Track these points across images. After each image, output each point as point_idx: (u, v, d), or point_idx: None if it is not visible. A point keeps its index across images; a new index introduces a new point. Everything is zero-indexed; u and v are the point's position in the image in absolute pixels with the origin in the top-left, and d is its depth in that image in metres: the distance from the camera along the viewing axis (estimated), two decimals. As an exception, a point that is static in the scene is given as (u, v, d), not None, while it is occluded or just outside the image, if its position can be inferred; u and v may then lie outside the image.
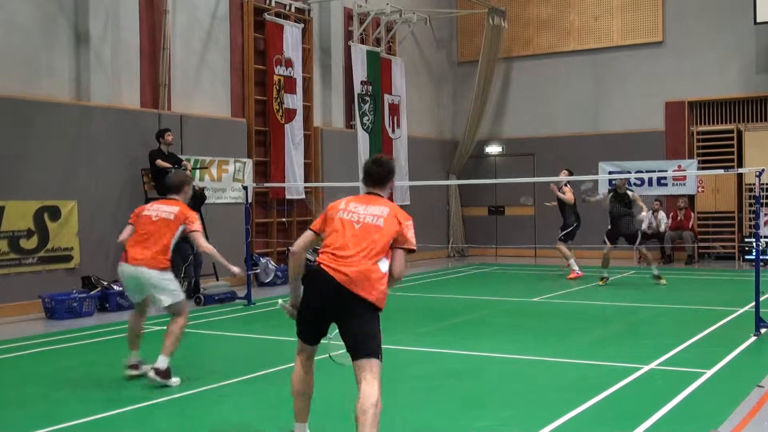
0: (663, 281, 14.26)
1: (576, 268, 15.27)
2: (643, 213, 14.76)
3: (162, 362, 7.00)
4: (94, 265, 12.48)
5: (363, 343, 4.84)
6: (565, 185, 15.35)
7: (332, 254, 5.02)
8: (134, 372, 7.40)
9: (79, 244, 12.42)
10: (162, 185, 12.98)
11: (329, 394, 6.37)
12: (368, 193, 5.28)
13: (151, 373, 6.99)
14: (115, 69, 13.26)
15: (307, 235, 5.37)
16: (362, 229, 5.00)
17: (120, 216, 13.00)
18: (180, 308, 7.32)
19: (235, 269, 7.47)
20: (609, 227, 14.88)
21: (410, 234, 5.09)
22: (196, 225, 7.34)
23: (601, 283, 14.41)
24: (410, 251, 5.08)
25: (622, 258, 19.11)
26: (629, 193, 14.72)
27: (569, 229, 15.33)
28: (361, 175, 5.53)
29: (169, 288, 7.30)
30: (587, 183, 15.13)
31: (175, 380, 7.08)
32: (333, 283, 4.91)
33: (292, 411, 5.51)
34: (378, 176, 5.29)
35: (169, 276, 7.37)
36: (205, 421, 6.22)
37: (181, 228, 7.30)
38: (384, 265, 4.97)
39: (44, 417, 6.25)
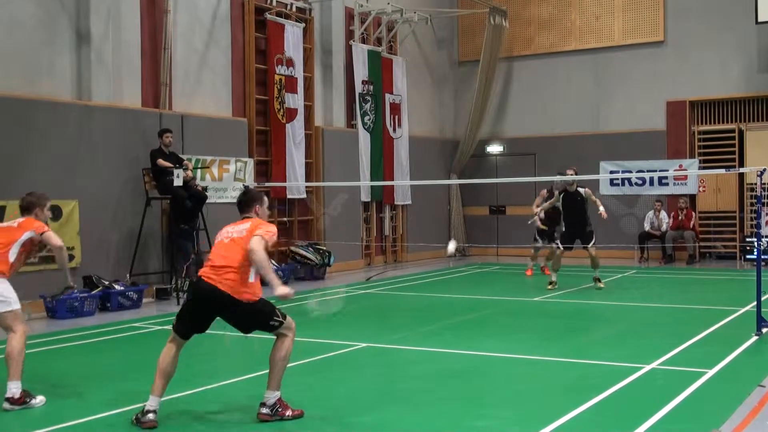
0: (601, 284, 13.72)
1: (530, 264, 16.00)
2: (601, 208, 13.53)
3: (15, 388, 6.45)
4: (95, 265, 12.48)
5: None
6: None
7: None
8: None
9: (81, 244, 12.42)
10: (163, 185, 13.03)
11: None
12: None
13: (6, 405, 6.40)
14: (117, 68, 13.26)
15: None
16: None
17: (121, 215, 13.04)
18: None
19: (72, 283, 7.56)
20: (563, 229, 13.97)
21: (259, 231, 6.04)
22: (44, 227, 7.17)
23: (549, 287, 13.64)
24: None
25: (623, 258, 19.11)
26: (581, 190, 13.66)
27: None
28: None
29: None
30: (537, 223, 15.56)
31: (38, 399, 6.55)
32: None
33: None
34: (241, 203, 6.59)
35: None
36: (206, 421, 6.22)
37: (27, 235, 7.05)
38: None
39: (45, 417, 6.25)
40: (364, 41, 18.87)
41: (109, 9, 13.09)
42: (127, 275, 12.78)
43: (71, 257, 12.28)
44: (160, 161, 12.97)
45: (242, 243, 6.01)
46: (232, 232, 6.24)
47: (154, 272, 13.50)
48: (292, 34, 16.52)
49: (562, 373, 7.67)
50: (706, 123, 19.57)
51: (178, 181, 12.79)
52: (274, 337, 6.19)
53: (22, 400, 6.43)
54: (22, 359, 6.55)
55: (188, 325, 6.21)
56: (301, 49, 16.77)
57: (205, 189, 13.80)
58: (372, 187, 18.54)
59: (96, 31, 12.88)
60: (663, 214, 18.82)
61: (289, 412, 6.08)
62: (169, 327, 7.28)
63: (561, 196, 13.84)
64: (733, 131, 19.01)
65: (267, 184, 15.45)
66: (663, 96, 19.60)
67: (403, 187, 19.72)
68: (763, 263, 9.53)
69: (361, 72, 18.54)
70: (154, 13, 13.98)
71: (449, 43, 22.48)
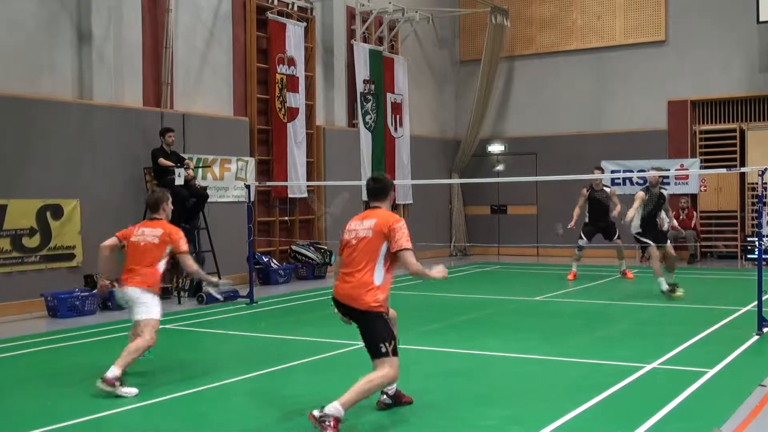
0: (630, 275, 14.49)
1: (574, 268, 15.27)
2: (616, 209, 14.41)
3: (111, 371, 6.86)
4: (96, 264, 12.45)
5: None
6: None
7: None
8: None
9: (82, 243, 12.43)
10: (164, 184, 13.02)
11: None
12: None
13: (99, 382, 6.79)
14: (118, 67, 13.26)
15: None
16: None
17: (122, 214, 13.02)
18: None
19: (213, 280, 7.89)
20: (586, 221, 14.98)
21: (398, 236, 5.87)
22: (183, 245, 7.50)
23: (571, 277, 14.81)
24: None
25: (625, 257, 19.07)
26: (606, 189, 14.84)
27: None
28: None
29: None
30: (558, 228, 15.14)
31: (126, 390, 6.84)
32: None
33: (295, 409, 5.50)
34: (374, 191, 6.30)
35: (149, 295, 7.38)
36: (207, 419, 6.22)
37: (168, 249, 7.45)
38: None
39: (46, 415, 6.26)
40: (365, 40, 18.87)
41: (111, 8, 13.09)
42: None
43: (72, 256, 12.30)
44: (162, 160, 12.98)
45: (371, 247, 5.88)
46: (359, 230, 6.01)
47: (156, 271, 13.50)
48: (294, 33, 16.52)
49: (563, 373, 7.68)
50: (707, 122, 19.56)
51: (179, 181, 12.79)
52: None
53: (112, 383, 6.77)
54: (133, 358, 7.06)
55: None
56: (303, 49, 16.77)
57: (205, 188, 13.80)
58: (373, 186, 18.50)
59: (97, 31, 12.89)
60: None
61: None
62: (171, 326, 7.30)
63: (588, 194, 14.75)
64: (734, 131, 19.01)
65: (268, 184, 15.46)
66: (664, 95, 19.60)
67: (404, 187, 19.72)
68: (764, 263, 9.53)
69: (362, 71, 18.54)
70: (156, 12, 13.99)
71: (451, 43, 22.48)
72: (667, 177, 18.49)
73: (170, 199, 7.94)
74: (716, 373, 7.36)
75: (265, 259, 15.42)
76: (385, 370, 5.71)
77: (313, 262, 16.11)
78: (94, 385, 6.93)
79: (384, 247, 5.87)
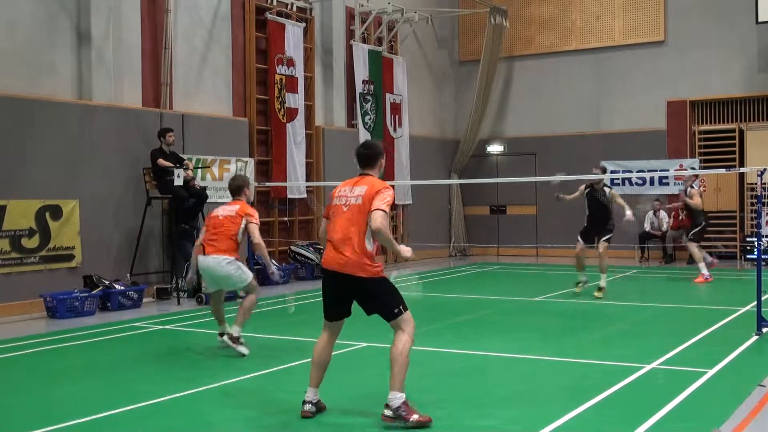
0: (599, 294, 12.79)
1: (705, 271, 14.62)
2: (628, 212, 12.99)
3: (235, 331, 8.40)
4: (95, 265, 12.48)
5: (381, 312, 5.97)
6: (691, 187, 14.79)
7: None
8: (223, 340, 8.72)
9: (81, 244, 12.42)
10: (164, 184, 13.03)
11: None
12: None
13: (225, 338, 8.46)
14: (117, 68, 13.26)
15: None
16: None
17: (122, 215, 13.05)
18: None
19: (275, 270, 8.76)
20: (584, 225, 13.47)
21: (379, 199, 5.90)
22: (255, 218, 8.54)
23: (577, 290, 13.13)
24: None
25: (623, 257, 19.11)
26: (606, 190, 13.33)
27: (698, 228, 14.85)
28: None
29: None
30: (556, 179, 13.85)
31: (243, 349, 8.34)
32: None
33: (296, 409, 5.50)
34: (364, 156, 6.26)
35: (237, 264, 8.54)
36: (207, 419, 6.23)
37: (244, 222, 8.47)
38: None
39: (45, 416, 6.25)
40: (364, 41, 18.87)
41: (110, 9, 13.09)
42: (128, 275, 12.79)
43: (71, 257, 12.30)
44: (161, 161, 12.98)
45: (362, 213, 5.90)
46: (349, 197, 6.05)
47: (155, 272, 13.50)
48: (293, 33, 16.52)
49: (562, 373, 7.68)
50: (706, 123, 19.57)
51: (178, 181, 12.79)
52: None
53: (237, 340, 8.35)
54: (249, 315, 8.58)
55: (332, 309, 6.12)
56: (302, 49, 16.77)
57: (205, 189, 13.80)
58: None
59: (96, 31, 12.88)
60: (663, 214, 18.83)
61: (415, 416, 5.69)
62: (170, 326, 7.31)
63: (586, 192, 13.37)
64: (733, 131, 19.01)
65: (267, 184, 15.46)
66: (663, 96, 19.61)
67: (403, 187, 19.72)
68: (763, 263, 9.53)
69: (361, 71, 18.54)
70: (155, 12, 13.98)
71: (450, 43, 22.48)
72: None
73: (249, 184, 9.24)
74: (715, 373, 7.36)
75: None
76: (408, 327, 5.91)
77: (312, 263, 16.10)
78: (94, 384, 6.93)
79: None
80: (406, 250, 6.10)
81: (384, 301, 5.93)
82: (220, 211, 8.59)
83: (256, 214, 8.55)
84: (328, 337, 6.17)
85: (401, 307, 5.93)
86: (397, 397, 5.75)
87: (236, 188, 8.74)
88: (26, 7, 12.17)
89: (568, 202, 13.49)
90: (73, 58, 12.82)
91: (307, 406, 6.05)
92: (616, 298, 12.68)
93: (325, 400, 6.24)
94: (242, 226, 8.44)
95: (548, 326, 10.45)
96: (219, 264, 8.38)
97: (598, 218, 13.21)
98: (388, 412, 5.77)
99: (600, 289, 12.70)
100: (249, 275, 8.61)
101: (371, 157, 6.21)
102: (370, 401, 6.46)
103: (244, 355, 8.29)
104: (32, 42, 12.23)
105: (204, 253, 8.44)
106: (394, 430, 5.75)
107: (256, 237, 8.40)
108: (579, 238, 13.28)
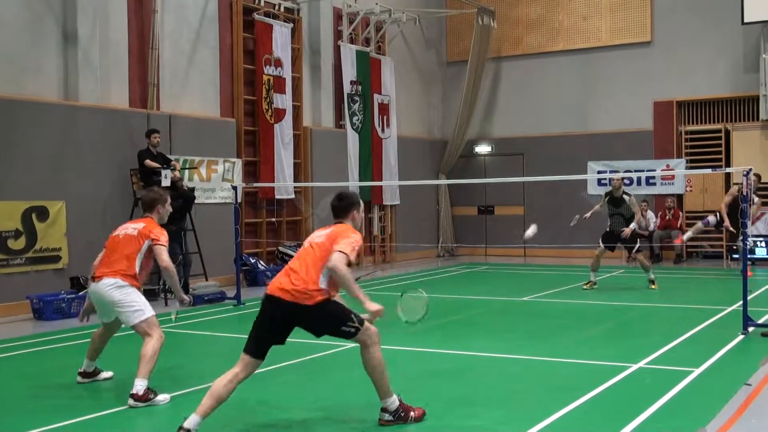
0: (654, 286, 13.53)
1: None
2: (631, 225, 13.46)
3: (139, 386, 6.54)
4: (82, 266, 12.40)
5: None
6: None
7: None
8: (85, 380, 7.41)
9: (68, 245, 12.37)
10: (151, 185, 12.98)
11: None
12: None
13: (130, 401, 6.49)
14: (104, 68, 13.21)
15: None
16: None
17: (108, 216, 12.99)
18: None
19: (186, 298, 7.27)
20: (607, 229, 13.80)
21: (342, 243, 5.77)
22: (163, 239, 7.05)
23: (585, 286, 13.63)
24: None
25: (610, 257, 19.15)
26: (625, 197, 13.55)
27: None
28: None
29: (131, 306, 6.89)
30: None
31: (162, 397, 6.64)
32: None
33: (285, 410, 5.49)
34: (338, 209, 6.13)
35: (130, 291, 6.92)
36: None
37: (146, 244, 7.01)
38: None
39: (33, 418, 6.22)
40: (352, 41, 18.86)
41: (96, 9, 13.04)
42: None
43: (57, 258, 12.24)
44: (148, 162, 12.94)
45: (321, 250, 5.79)
46: (314, 236, 6.02)
47: (142, 273, 13.45)
48: (281, 34, 16.50)
49: (550, 373, 7.70)
50: (692, 123, 19.67)
51: (165, 182, 12.75)
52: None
53: (146, 397, 6.52)
54: (155, 362, 6.69)
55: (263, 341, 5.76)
56: (290, 50, 16.75)
57: (192, 190, 13.76)
58: (360, 187, 18.53)
59: (83, 31, 12.83)
60: (650, 214, 18.90)
61: (413, 413, 5.89)
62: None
63: (606, 199, 13.80)
64: (719, 131, 19.12)
65: (255, 185, 15.43)
66: (650, 96, 19.69)
67: (391, 188, 19.73)
68: (749, 262, 9.58)
69: (349, 72, 18.54)
70: (142, 13, 13.94)
71: (437, 44, 22.51)
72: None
73: (168, 202, 7.40)
74: (702, 372, 7.40)
75: (253, 261, 15.39)
76: (371, 341, 5.85)
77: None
78: (82, 387, 6.89)
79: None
80: (375, 310, 5.86)
81: (334, 323, 5.86)
82: (120, 230, 7.17)
83: (163, 235, 7.03)
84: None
85: (357, 323, 5.85)
86: (392, 401, 5.84)
87: (149, 203, 7.28)
88: (11, 7, 12.10)
89: (589, 217, 13.90)
90: (60, 59, 12.76)
91: None
92: (603, 298, 12.72)
93: (314, 400, 6.23)
94: (144, 247, 6.98)
95: (536, 326, 10.48)
96: (106, 288, 6.84)
97: (618, 223, 13.65)
98: (387, 416, 5.84)
99: (652, 281, 13.61)
100: (143, 314, 6.84)
101: (343, 208, 6.10)
102: (361, 403, 6.46)
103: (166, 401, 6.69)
104: (18, 42, 12.16)
105: (94, 279, 6.98)
106: (391, 428, 5.76)
107: (164, 260, 6.94)
108: (600, 243, 13.75)
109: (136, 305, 6.83)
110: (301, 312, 5.66)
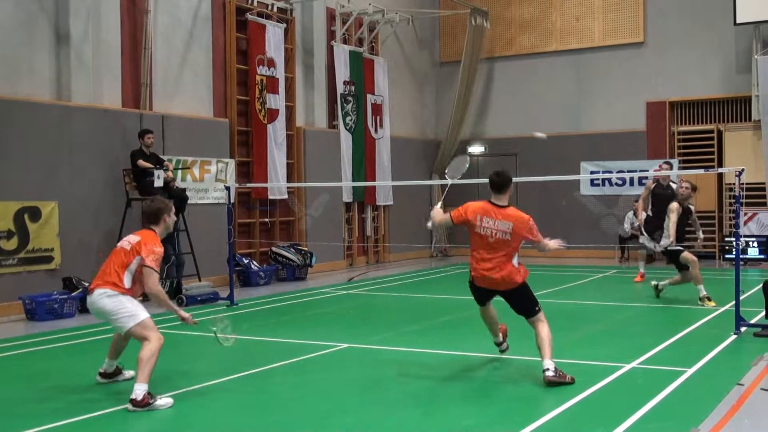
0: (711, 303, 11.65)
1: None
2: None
3: (138, 391, 6.42)
4: (75, 266, 12.39)
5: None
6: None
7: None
8: (105, 380, 7.36)
9: (60, 245, 12.33)
10: (144, 186, 12.97)
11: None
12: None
13: (129, 406, 6.39)
14: (96, 69, 13.18)
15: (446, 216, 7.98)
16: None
17: (101, 216, 12.97)
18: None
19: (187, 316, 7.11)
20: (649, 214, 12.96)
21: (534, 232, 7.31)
22: (151, 259, 6.79)
23: (638, 279, 14.46)
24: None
25: (603, 258, 19.20)
26: (674, 185, 12.80)
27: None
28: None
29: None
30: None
31: (163, 401, 6.50)
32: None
33: (278, 411, 5.47)
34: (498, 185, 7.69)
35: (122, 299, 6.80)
36: (189, 421, 6.20)
37: (136, 260, 6.81)
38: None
39: (25, 419, 6.20)
40: (345, 42, 18.86)
41: (89, 9, 13.00)
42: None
43: (50, 259, 12.21)
44: (141, 162, 12.91)
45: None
46: (496, 227, 7.30)
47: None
48: (274, 34, 16.49)
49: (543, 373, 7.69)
50: (685, 123, 19.72)
51: (158, 182, 12.73)
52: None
53: (146, 402, 6.38)
54: (153, 364, 6.55)
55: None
56: (283, 50, 16.74)
57: (185, 190, 13.73)
58: (354, 187, 18.55)
59: (75, 31, 12.80)
60: (644, 215, 18.89)
61: (568, 378, 6.92)
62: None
63: (654, 187, 13.07)
64: (712, 132, 19.17)
65: (248, 185, 15.41)
66: (643, 96, 19.74)
67: (384, 188, 19.73)
68: (741, 262, 9.60)
69: (342, 72, 18.53)
70: (135, 13, 13.91)
71: (431, 44, 22.52)
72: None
73: (173, 210, 7.27)
74: (694, 372, 7.42)
75: (246, 261, 15.37)
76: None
77: (293, 264, 16.08)
78: (75, 387, 6.86)
79: None
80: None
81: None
82: (123, 240, 7.05)
83: (153, 254, 6.76)
84: None
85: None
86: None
87: (155, 213, 7.08)
88: (4, 7, 12.06)
89: (641, 213, 12.92)
90: (52, 59, 12.72)
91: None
92: (596, 298, 12.75)
93: (308, 400, 6.23)
94: (133, 263, 6.79)
95: (528, 326, 10.45)
96: (98, 297, 6.75)
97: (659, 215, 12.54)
98: (551, 374, 6.93)
99: (708, 298, 11.63)
100: (136, 318, 6.72)
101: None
102: (357, 400, 6.46)
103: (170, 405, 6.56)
104: (10, 42, 12.12)
105: (90, 291, 6.94)
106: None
107: (150, 286, 6.75)
108: (644, 231, 12.82)
109: (127, 311, 6.71)
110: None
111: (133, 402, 6.36)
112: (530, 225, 7.23)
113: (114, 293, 6.73)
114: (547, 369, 6.90)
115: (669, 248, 11.87)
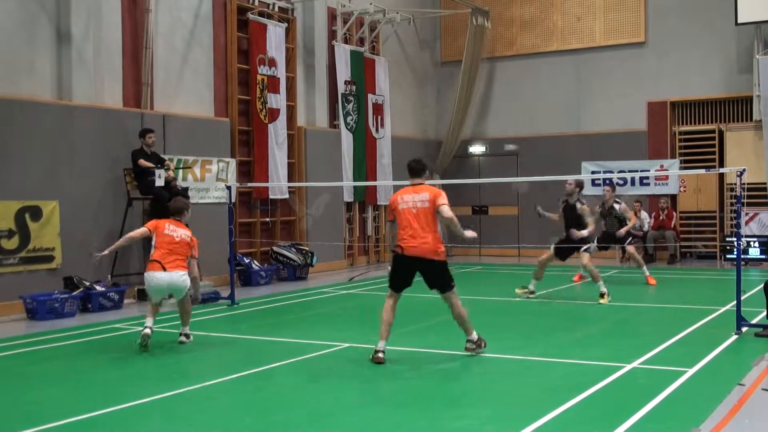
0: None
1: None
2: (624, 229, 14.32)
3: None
4: (76, 266, 12.39)
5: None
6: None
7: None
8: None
9: (61, 245, 12.34)
10: (145, 185, 12.97)
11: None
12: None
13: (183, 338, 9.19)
14: (98, 68, 13.18)
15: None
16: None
17: (102, 216, 12.97)
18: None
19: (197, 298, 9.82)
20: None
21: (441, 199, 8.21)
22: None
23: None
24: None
25: (604, 258, 19.19)
26: (616, 206, 14.30)
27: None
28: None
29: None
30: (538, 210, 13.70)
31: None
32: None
33: (278, 411, 5.48)
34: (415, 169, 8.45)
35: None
36: (190, 421, 6.20)
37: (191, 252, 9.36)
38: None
39: (26, 418, 6.20)
40: (346, 41, 18.86)
41: (90, 8, 13.01)
42: (109, 276, 12.72)
43: (51, 258, 12.21)
44: (142, 161, 12.92)
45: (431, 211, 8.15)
46: (415, 201, 8.25)
47: (136, 273, 13.40)
48: (275, 34, 16.49)
49: (543, 373, 7.70)
50: (686, 123, 19.71)
51: (159, 182, 12.74)
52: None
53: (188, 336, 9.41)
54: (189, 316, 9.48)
55: (400, 282, 8.31)
56: (284, 49, 16.74)
57: (186, 189, 13.73)
58: (355, 187, 18.55)
59: (77, 31, 12.80)
60: (644, 215, 18.93)
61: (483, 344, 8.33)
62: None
63: (599, 212, 14.39)
64: (713, 132, 19.16)
65: (249, 185, 15.42)
66: (644, 96, 19.73)
67: (385, 188, 19.72)
68: (743, 262, 9.60)
69: (343, 72, 18.53)
70: (136, 12, 13.91)
71: (432, 44, 22.52)
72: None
73: (190, 207, 9.83)
74: (695, 372, 7.41)
75: (247, 261, 15.37)
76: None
77: (294, 264, 16.08)
78: (76, 387, 6.86)
79: None
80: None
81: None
82: (171, 231, 9.28)
83: (197, 250, 9.69)
84: None
85: None
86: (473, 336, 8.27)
87: (181, 208, 9.54)
88: (5, 6, 12.06)
89: (557, 217, 13.46)
90: (53, 58, 12.72)
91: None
92: (596, 298, 12.73)
93: (308, 400, 6.23)
94: (190, 253, 9.40)
95: (529, 326, 10.48)
96: (181, 277, 9.09)
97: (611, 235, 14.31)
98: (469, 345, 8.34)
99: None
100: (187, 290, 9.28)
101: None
102: (357, 400, 6.45)
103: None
104: (11, 42, 12.12)
105: (163, 268, 9.10)
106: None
107: (195, 272, 9.49)
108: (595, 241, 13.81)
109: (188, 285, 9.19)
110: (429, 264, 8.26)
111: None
112: (443, 193, 8.36)
113: (186, 274, 9.06)
114: (470, 341, 8.37)
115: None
